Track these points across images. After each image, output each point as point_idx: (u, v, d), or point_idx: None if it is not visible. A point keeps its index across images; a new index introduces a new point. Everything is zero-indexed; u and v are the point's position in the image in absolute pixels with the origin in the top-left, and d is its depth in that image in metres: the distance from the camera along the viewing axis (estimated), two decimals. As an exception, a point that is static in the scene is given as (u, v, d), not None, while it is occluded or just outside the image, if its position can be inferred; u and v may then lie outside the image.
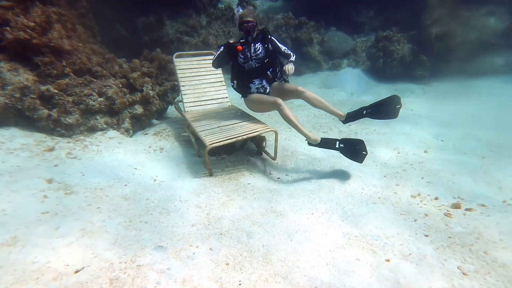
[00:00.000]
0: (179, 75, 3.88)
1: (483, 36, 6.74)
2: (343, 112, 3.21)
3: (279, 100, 3.04)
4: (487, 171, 3.16)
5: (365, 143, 3.05)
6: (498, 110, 5.12)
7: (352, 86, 6.89)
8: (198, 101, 3.95)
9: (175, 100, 4.29)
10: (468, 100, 5.89)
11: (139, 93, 3.69)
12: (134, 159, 3.20)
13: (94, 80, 3.30)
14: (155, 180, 2.96)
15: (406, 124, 4.70)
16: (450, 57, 6.99)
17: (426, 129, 4.48)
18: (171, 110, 4.79)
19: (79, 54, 3.15)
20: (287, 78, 3.49)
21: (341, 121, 3.28)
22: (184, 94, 3.86)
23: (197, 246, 2.14)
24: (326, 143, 3.06)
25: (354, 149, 3.02)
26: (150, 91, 3.76)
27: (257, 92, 3.36)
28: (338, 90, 6.71)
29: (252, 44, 3.18)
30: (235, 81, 3.41)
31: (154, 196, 2.64)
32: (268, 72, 3.34)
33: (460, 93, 6.39)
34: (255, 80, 3.34)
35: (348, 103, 5.98)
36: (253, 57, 3.22)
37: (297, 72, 7.41)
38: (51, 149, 2.94)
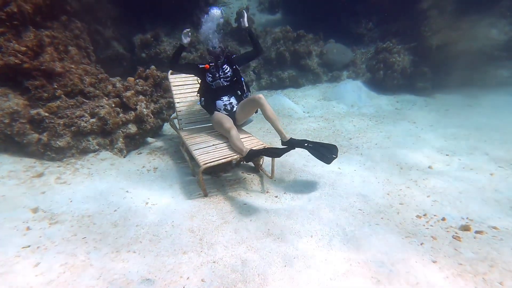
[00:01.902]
0: (174, 92, 3.81)
1: (485, 48, 6.68)
2: (288, 136, 3.23)
3: (233, 131, 3.13)
4: (496, 189, 2.99)
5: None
6: (504, 123, 4.98)
7: (352, 98, 6.80)
8: (194, 118, 3.87)
9: (171, 118, 4.22)
10: (473, 112, 5.77)
11: (132, 112, 3.62)
12: (126, 181, 3.10)
13: (86, 101, 3.24)
14: (147, 203, 2.84)
15: (409, 137, 4.57)
16: (452, 68, 6.92)
17: (429, 142, 4.34)
18: (167, 128, 4.72)
19: (71, 76, 3.11)
20: (246, 93, 3.60)
21: (282, 141, 3.26)
22: (179, 111, 3.78)
23: (187, 278, 2.01)
24: (253, 155, 2.95)
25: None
26: (144, 110, 3.69)
27: (224, 109, 3.47)
28: (338, 102, 6.62)
29: (221, 67, 3.43)
30: (202, 99, 3.55)
31: (144, 222, 2.52)
32: (237, 90, 3.52)
33: (464, 105, 6.28)
34: (223, 97, 3.46)
35: (348, 115, 5.88)
36: (221, 76, 3.42)
37: (296, 84, 7.38)
38: (40, 175, 2.85)
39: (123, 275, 1.96)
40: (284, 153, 2.83)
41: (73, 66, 3.19)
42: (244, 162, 3.74)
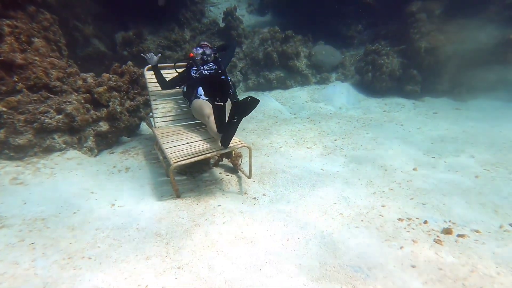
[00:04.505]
0: (150, 89, 3.65)
1: (474, 52, 6.66)
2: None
3: (211, 117, 3.01)
4: (481, 192, 2.90)
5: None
6: (491, 127, 4.93)
7: (340, 100, 6.70)
8: (170, 115, 3.70)
9: (148, 116, 4.05)
10: (461, 115, 5.73)
11: (104, 109, 3.43)
12: (93, 181, 2.90)
13: (52, 96, 3.04)
14: (113, 205, 2.66)
15: (395, 139, 4.47)
16: (440, 71, 6.89)
17: (416, 145, 4.24)
18: (145, 127, 4.54)
19: (34, 69, 2.90)
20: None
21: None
22: (155, 109, 3.61)
23: (146, 286, 1.85)
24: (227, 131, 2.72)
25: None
26: (117, 107, 3.50)
27: (204, 96, 3.42)
28: (326, 104, 6.52)
29: (206, 64, 3.60)
30: (184, 87, 3.60)
31: (106, 225, 2.33)
32: (222, 77, 3.57)
33: (452, 108, 6.26)
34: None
35: (335, 117, 5.78)
36: (205, 69, 3.56)
37: (284, 86, 7.27)
38: (-7, 175, 2.64)
39: (72, 284, 1.78)
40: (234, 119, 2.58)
41: (37, 58, 2.98)
42: (222, 160, 3.58)
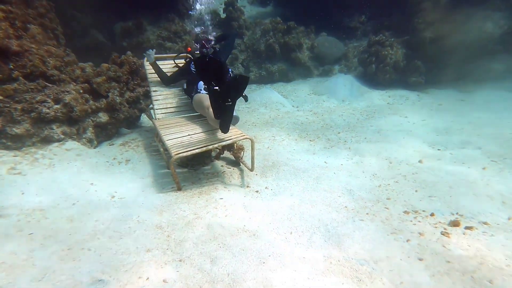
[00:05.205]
0: (150, 80, 3.58)
1: (480, 41, 6.51)
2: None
3: (211, 108, 2.89)
4: (488, 184, 2.84)
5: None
6: (498, 117, 4.84)
7: (343, 93, 6.61)
8: (171, 107, 3.63)
9: (148, 107, 3.98)
10: (466, 107, 5.63)
11: (104, 100, 3.36)
12: (92, 173, 2.85)
13: (50, 85, 2.96)
14: (113, 196, 2.61)
15: (400, 132, 4.40)
16: (445, 62, 6.75)
17: (421, 137, 4.17)
18: (146, 119, 4.47)
19: (30, 56, 2.83)
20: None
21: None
22: (156, 100, 3.54)
23: (147, 278, 1.80)
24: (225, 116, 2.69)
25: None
26: (117, 97, 3.42)
27: (204, 89, 3.38)
28: (329, 97, 6.43)
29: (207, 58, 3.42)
30: (184, 83, 3.56)
31: (105, 217, 2.29)
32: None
33: (457, 99, 6.15)
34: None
35: (338, 109, 5.70)
36: None
37: (286, 79, 7.17)
38: (-10, 164, 2.58)
39: (71, 275, 1.73)
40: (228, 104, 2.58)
41: (33, 46, 2.89)
42: (224, 153, 3.52)
